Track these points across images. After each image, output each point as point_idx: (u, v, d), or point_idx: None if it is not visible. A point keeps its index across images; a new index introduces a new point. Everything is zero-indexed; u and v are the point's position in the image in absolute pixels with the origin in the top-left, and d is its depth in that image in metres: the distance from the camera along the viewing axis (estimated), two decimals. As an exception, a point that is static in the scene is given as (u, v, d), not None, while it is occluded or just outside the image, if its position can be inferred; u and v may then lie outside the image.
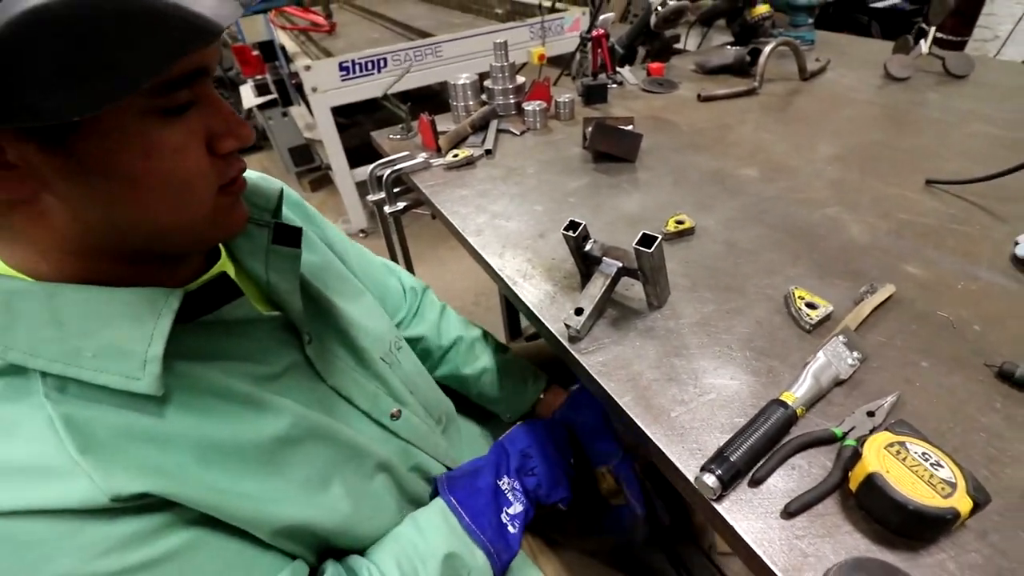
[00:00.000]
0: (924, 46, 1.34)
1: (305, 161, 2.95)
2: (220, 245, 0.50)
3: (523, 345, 1.21)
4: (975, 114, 1.10)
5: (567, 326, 0.64)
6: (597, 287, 0.65)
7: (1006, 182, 0.80)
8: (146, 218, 0.36)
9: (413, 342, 0.80)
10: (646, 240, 0.59)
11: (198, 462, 0.39)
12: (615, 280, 0.67)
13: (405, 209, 1.15)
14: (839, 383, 0.56)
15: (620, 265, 0.66)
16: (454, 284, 2.28)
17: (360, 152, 2.52)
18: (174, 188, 0.36)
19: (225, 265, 0.49)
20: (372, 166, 1.10)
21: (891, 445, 0.44)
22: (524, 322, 1.78)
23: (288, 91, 2.40)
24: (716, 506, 0.46)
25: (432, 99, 3.27)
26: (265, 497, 0.42)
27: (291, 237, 0.51)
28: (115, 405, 0.36)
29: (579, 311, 0.64)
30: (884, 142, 1.03)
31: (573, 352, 0.63)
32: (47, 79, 0.25)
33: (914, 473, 0.42)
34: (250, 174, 0.49)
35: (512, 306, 1.69)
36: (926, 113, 1.13)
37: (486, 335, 0.89)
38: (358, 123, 3.63)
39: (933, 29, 1.35)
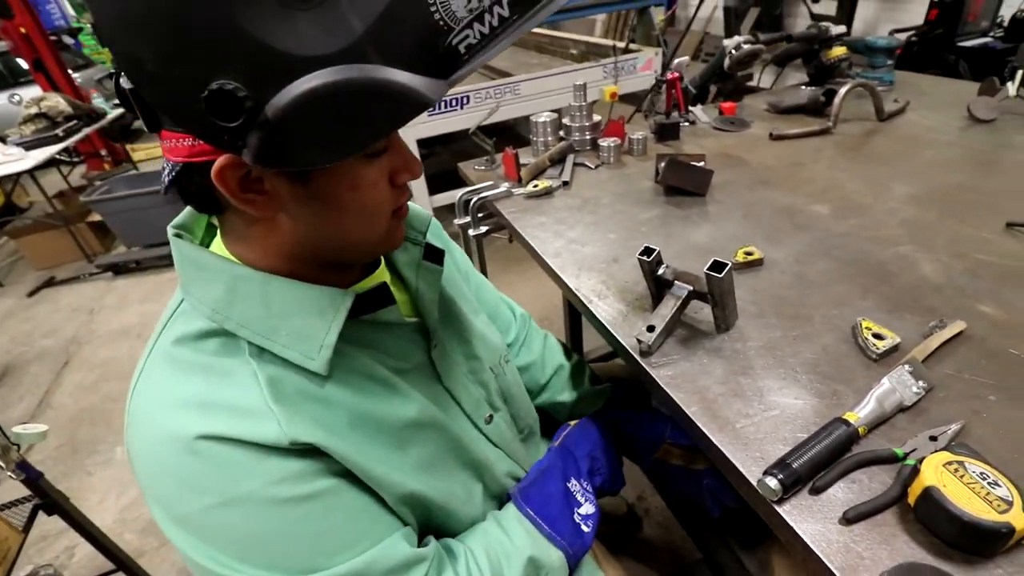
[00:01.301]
0: (1012, 88, 1.32)
1: (386, 187, 3.20)
2: (382, 257, 0.61)
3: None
4: (1067, 158, 1.08)
5: (639, 341, 0.70)
6: (668, 308, 0.72)
7: (1095, 227, 0.79)
8: (342, 234, 0.46)
9: (520, 370, 0.87)
10: (717, 266, 0.65)
11: (349, 425, 0.49)
12: (685, 302, 0.73)
13: (487, 232, 1.27)
14: (903, 409, 0.59)
15: (691, 289, 0.72)
16: (521, 305, 2.37)
17: (437, 180, 2.71)
18: (367, 213, 0.46)
19: (383, 274, 0.60)
20: (460, 193, 1.22)
21: (949, 463, 0.47)
22: (586, 346, 1.84)
23: (380, 124, 2.66)
24: (777, 508, 0.51)
25: (506, 132, 3.45)
26: (391, 465, 0.51)
27: (436, 256, 0.62)
28: (295, 372, 0.46)
29: (651, 328, 0.70)
30: (964, 184, 1.04)
31: (644, 365, 0.69)
32: (311, 139, 0.36)
33: (971, 489, 0.45)
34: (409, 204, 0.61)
35: (575, 330, 1.76)
36: (1011, 156, 1.12)
37: (581, 363, 0.94)
38: (436, 153, 3.89)
39: (1021, 71, 1.32)
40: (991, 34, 2.46)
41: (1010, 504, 0.44)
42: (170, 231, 0.49)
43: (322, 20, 0.33)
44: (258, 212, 0.43)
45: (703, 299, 0.72)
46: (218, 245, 0.50)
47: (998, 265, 0.80)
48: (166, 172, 0.43)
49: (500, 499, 0.70)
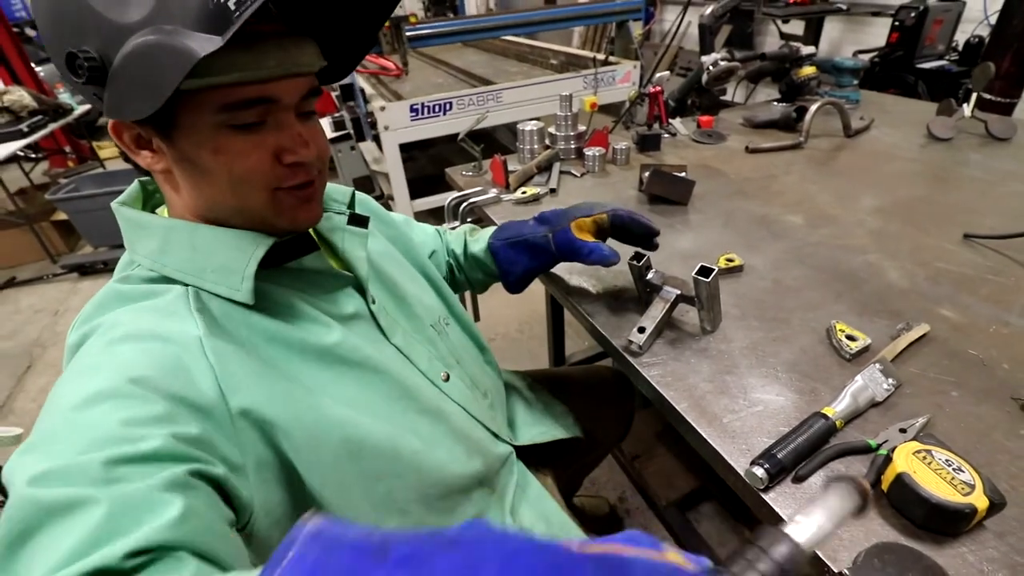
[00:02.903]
0: (967, 109, 1.42)
1: (367, 190, 3.18)
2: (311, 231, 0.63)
3: (568, 370, 1.30)
4: (1015, 175, 1.16)
5: (630, 342, 0.73)
6: (658, 310, 0.75)
7: (1040, 239, 0.87)
8: (217, 198, 0.51)
9: (455, 256, 0.94)
10: (704, 271, 0.69)
11: (268, 343, 0.51)
12: (673, 305, 0.76)
13: (475, 237, 1.29)
14: (875, 404, 0.63)
15: (679, 292, 0.76)
16: (500, 312, 2.39)
17: (417, 184, 2.72)
18: (233, 179, 0.49)
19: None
20: (450, 197, 1.24)
21: (919, 452, 0.52)
22: (568, 350, 1.87)
23: (363, 128, 2.65)
24: (763, 495, 0.54)
25: (486, 139, 3.48)
26: (320, 393, 0.52)
27: (362, 223, 0.65)
28: (226, 308, 0.51)
29: (641, 330, 0.73)
30: (924, 197, 1.11)
31: (635, 365, 0.73)
32: (131, 93, 0.42)
33: (938, 475, 0.49)
34: (332, 185, 0.66)
35: (558, 334, 1.79)
36: (967, 172, 1.20)
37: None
38: (414, 158, 3.89)
39: (976, 94, 1.42)
40: (946, 57, 2.62)
41: (972, 487, 0.48)
42: (114, 205, 0.54)
43: None
44: (149, 165, 0.50)
45: (690, 302, 0.76)
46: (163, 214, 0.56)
47: (956, 273, 0.86)
48: None
49: (484, 452, 0.71)
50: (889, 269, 0.89)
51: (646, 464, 1.52)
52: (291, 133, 0.50)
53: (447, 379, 0.70)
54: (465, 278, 0.95)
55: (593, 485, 1.63)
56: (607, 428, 1.10)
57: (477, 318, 1.42)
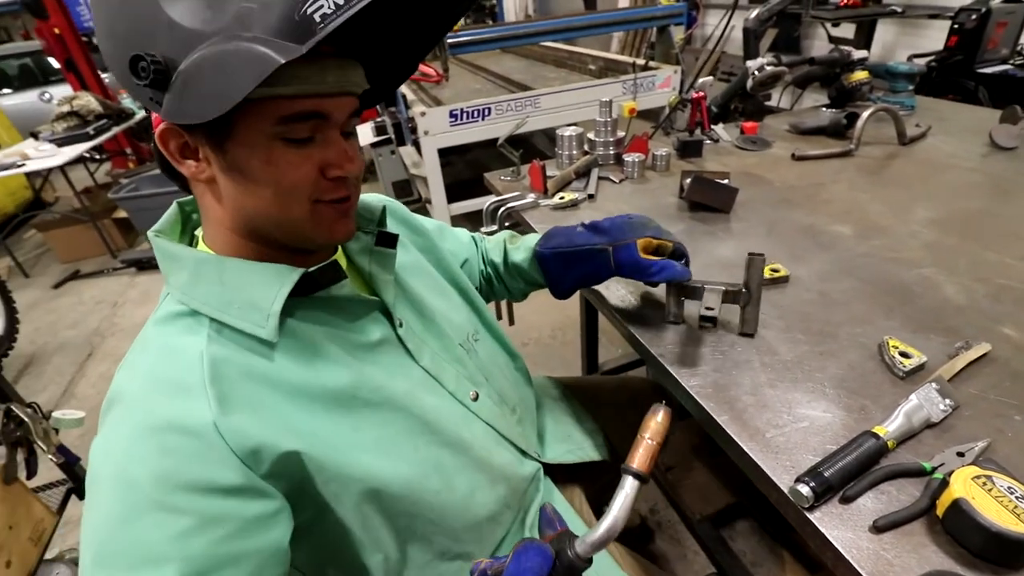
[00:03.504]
0: (1034, 117, 1.34)
1: (405, 194, 3.25)
2: (340, 249, 0.64)
3: (601, 379, 1.29)
4: (1089, 187, 1.09)
5: (706, 309, 0.72)
6: (713, 300, 0.74)
7: (1117, 256, 0.81)
8: (260, 208, 0.51)
9: (494, 266, 0.94)
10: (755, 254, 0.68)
11: (287, 398, 0.50)
12: (722, 300, 0.75)
13: (513, 242, 1.30)
14: (930, 425, 0.61)
15: (724, 288, 0.74)
16: (533, 318, 2.40)
17: (454, 189, 2.76)
18: (281, 189, 0.50)
19: (339, 259, 0.62)
20: (488, 202, 1.26)
21: (978, 477, 0.49)
22: (601, 358, 1.85)
23: (404, 133, 2.71)
24: (808, 514, 0.53)
25: (522, 144, 3.49)
26: (339, 445, 0.52)
27: (391, 242, 0.65)
28: (247, 348, 0.50)
29: (709, 308, 0.72)
30: (985, 209, 1.06)
31: (675, 374, 0.72)
32: (199, 97, 0.42)
33: (999, 502, 0.47)
34: (364, 196, 0.64)
35: (591, 341, 1.78)
36: (1033, 183, 1.14)
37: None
38: (451, 163, 3.94)
39: (1044, 101, 1.34)
40: (1011, 62, 2.48)
41: (1037, 517, 0.45)
42: (150, 233, 0.55)
43: (207, 5, 0.42)
44: (193, 174, 0.50)
45: (734, 300, 0.75)
46: (201, 245, 0.57)
47: (1020, 290, 0.82)
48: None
49: (508, 477, 0.70)
50: (945, 284, 0.85)
51: (680, 477, 1.49)
52: (338, 149, 0.52)
53: (476, 398, 0.70)
54: (504, 287, 0.95)
55: (624, 495, 1.61)
56: (641, 439, 1.08)
57: (512, 323, 1.43)
